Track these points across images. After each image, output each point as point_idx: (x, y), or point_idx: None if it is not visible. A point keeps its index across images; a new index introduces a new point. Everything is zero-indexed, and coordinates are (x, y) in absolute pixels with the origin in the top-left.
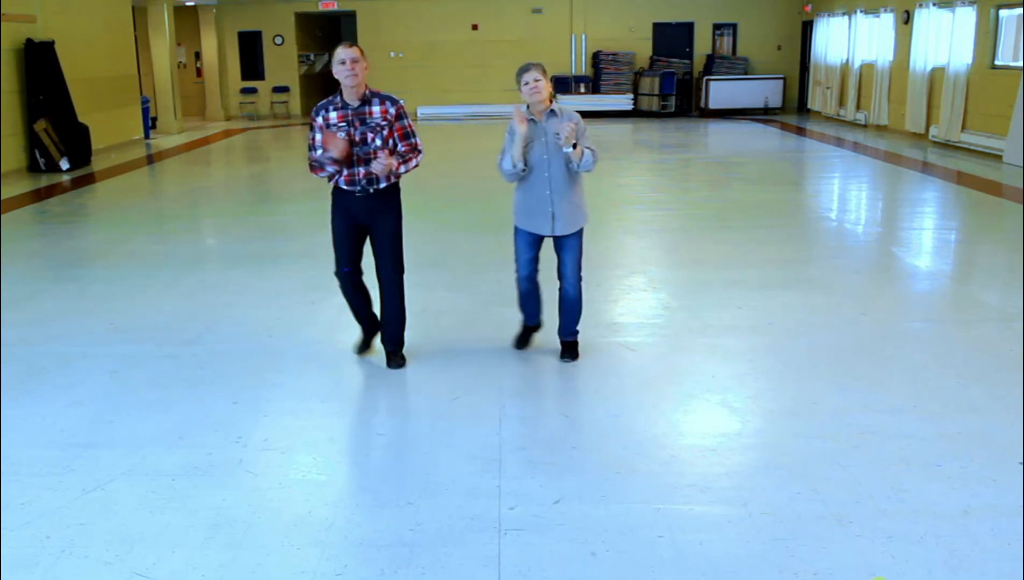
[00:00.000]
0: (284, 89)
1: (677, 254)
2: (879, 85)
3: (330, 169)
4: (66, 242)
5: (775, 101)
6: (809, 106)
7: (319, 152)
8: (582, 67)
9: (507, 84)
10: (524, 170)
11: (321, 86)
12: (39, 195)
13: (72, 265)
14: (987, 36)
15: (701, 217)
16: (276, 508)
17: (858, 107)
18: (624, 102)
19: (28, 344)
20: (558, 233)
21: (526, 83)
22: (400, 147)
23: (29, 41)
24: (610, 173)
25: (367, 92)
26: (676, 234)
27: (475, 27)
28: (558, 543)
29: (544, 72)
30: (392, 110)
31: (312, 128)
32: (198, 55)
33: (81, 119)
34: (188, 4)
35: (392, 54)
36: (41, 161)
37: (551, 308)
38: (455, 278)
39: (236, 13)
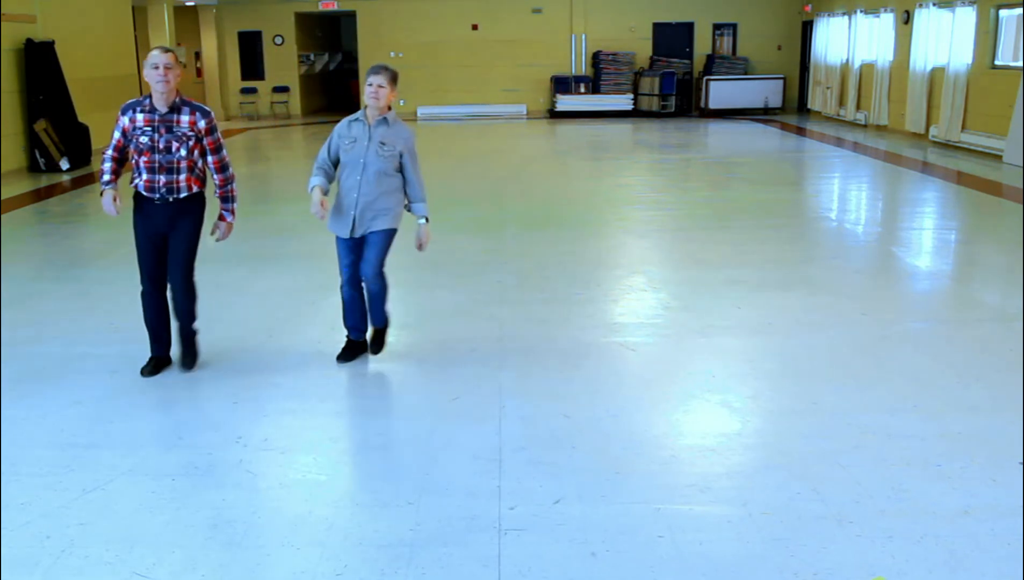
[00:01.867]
0: (284, 89)
1: (677, 254)
2: (879, 85)
3: (104, 183)
4: (66, 242)
5: (775, 101)
6: (809, 106)
7: (108, 165)
8: (582, 67)
9: (507, 84)
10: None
11: (321, 86)
12: (39, 195)
13: (72, 265)
14: (987, 36)
15: (701, 217)
16: (276, 508)
17: (858, 107)
18: (624, 102)
19: (28, 344)
20: (360, 233)
21: (370, 84)
22: (210, 159)
23: (29, 41)
24: (610, 173)
25: (177, 100)
26: (676, 234)
27: (475, 27)
28: (558, 543)
29: (392, 80)
30: (202, 123)
31: (116, 125)
32: (198, 55)
33: (81, 119)
34: (188, 4)
35: (392, 54)
36: (41, 161)
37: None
38: (454, 278)
39: (236, 13)
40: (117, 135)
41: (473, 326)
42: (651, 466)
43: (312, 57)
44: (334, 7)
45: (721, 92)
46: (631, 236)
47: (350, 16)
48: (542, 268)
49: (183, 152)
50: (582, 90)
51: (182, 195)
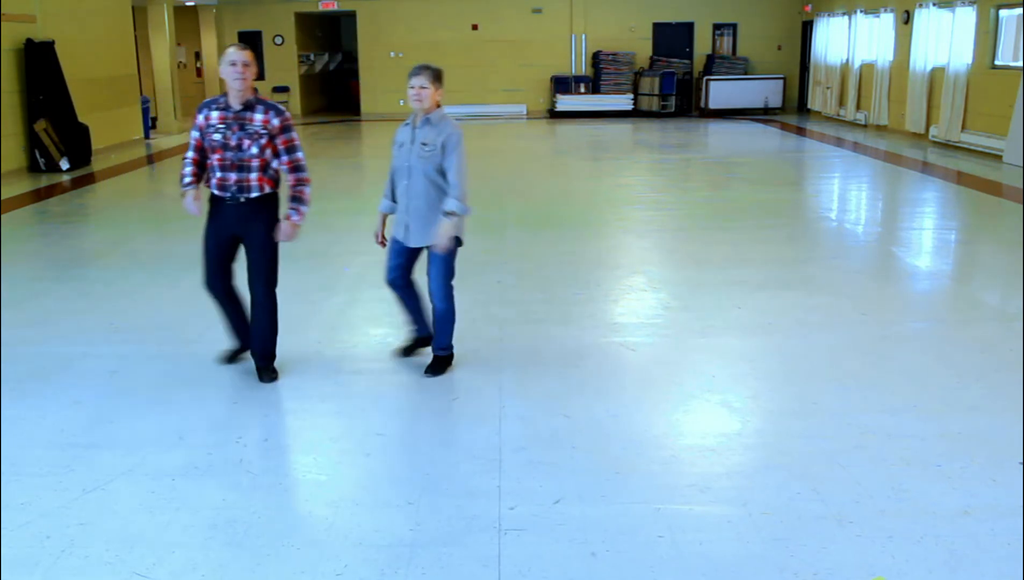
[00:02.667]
0: (284, 89)
1: (677, 254)
2: (879, 85)
3: (183, 185)
4: (66, 242)
5: (775, 101)
6: (809, 106)
7: (189, 168)
8: (582, 67)
9: (507, 84)
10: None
11: (321, 86)
12: (39, 195)
13: (72, 265)
14: (987, 36)
15: (701, 217)
16: (276, 508)
17: (858, 107)
18: (624, 102)
19: (28, 344)
20: (412, 244)
21: (411, 87)
22: (283, 159)
23: (29, 41)
24: (610, 173)
25: (252, 98)
26: (676, 234)
27: (475, 27)
28: (558, 543)
29: (435, 79)
30: (275, 121)
31: (194, 125)
32: (198, 55)
33: (81, 119)
34: (188, 4)
35: (392, 54)
36: (41, 161)
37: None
38: (455, 278)
39: (236, 13)
40: (195, 134)
41: (473, 326)
42: (651, 466)
43: (312, 57)
44: (334, 7)
45: (721, 92)
46: (631, 236)
47: (350, 16)
48: (542, 268)
49: (254, 150)
50: (582, 90)
51: (253, 194)
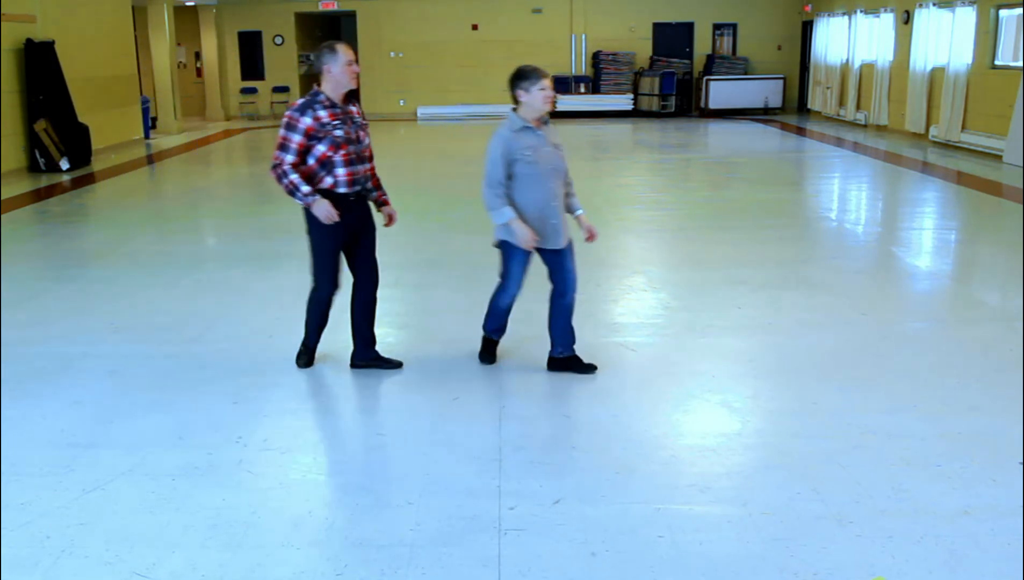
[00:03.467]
0: (284, 89)
1: (677, 254)
2: (879, 85)
3: (298, 200)
4: (66, 242)
5: (775, 101)
6: (809, 106)
7: (296, 176)
8: (582, 67)
9: (506, 84)
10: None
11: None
12: (39, 195)
13: (72, 265)
14: (987, 36)
15: (701, 217)
16: (276, 508)
17: (858, 107)
18: (624, 102)
19: (28, 344)
20: (559, 246)
21: (543, 88)
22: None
23: (29, 41)
24: (610, 173)
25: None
26: (676, 234)
27: (475, 27)
28: (558, 543)
29: None
30: (361, 110)
31: (294, 128)
32: (198, 55)
33: (81, 119)
34: (188, 4)
35: (392, 54)
36: (41, 161)
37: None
38: (455, 278)
39: (236, 13)
40: (299, 138)
41: (473, 326)
42: (651, 466)
43: (312, 57)
44: (334, 7)
45: (721, 92)
46: (631, 236)
47: (350, 16)
48: (542, 268)
49: (367, 140)
50: (582, 90)
51: (369, 184)
